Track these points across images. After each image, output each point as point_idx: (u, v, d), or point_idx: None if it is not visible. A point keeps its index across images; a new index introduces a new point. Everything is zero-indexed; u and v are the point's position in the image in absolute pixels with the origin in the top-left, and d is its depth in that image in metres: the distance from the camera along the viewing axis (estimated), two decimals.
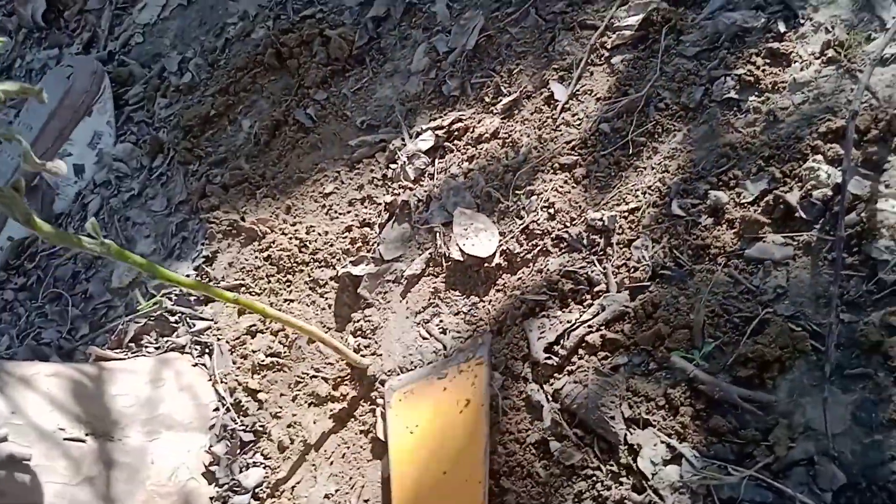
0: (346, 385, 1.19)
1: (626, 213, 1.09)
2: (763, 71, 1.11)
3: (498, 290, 1.14)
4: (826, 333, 0.91)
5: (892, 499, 0.81)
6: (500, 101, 1.29)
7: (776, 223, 1.00)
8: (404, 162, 1.31)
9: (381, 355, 1.18)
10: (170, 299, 1.35)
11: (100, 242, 0.79)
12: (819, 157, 1.01)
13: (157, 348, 1.31)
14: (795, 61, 1.10)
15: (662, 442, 0.93)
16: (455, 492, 1.02)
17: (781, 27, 1.13)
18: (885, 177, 0.97)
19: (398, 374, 1.15)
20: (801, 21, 1.13)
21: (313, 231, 1.33)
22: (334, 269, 1.29)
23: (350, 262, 1.27)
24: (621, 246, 1.08)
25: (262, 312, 0.97)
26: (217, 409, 1.20)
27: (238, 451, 1.16)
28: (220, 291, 0.91)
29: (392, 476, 1.07)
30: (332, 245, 1.31)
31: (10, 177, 1.60)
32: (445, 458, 1.05)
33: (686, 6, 1.22)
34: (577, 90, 1.24)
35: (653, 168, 1.12)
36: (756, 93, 1.10)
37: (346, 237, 1.31)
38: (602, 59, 1.25)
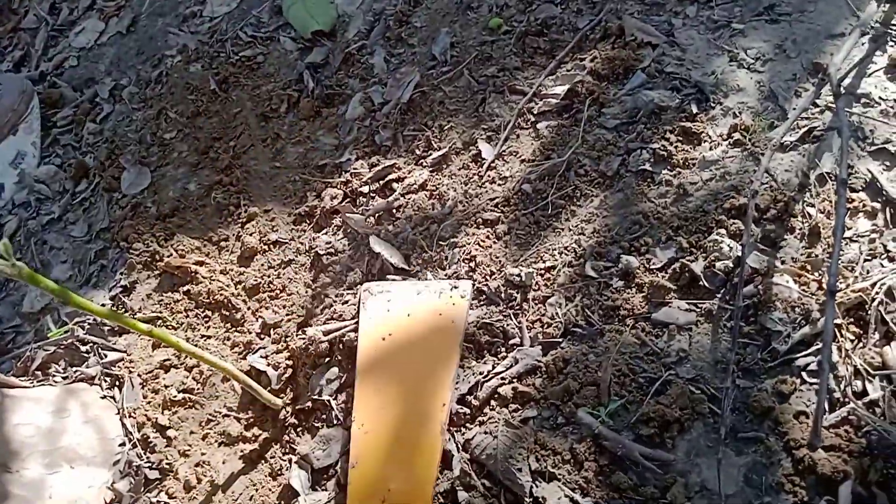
0: (258, 426, 1.18)
1: (543, 271, 1.14)
2: (676, 147, 1.19)
3: None
4: (722, 397, 0.96)
5: None
6: (430, 154, 1.33)
7: (681, 290, 1.07)
8: (329, 207, 1.33)
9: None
10: (82, 328, 1.31)
11: (11, 264, 0.77)
12: (723, 230, 1.08)
13: (64, 378, 1.27)
14: (705, 141, 1.19)
15: (566, 496, 0.96)
16: (418, 409, 1.06)
17: (694, 108, 1.22)
18: (781, 253, 1.05)
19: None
20: (713, 105, 1.22)
21: (234, 268, 1.33)
22: (250, 307, 1.28)
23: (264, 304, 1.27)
24: (537, 302, 1.12)
25: (175, 346, 0.96)
26: (123, 445, 1.17)
27: (142, 488, 1.12)
28: (133, 322, 0.90)
29: (357, 381, 1.10)
30: (250, 282, 1.31)
31: None
32: (412, 374, 1.09)
33: (609, 81, 1.30)
34: (504, 151, 1.29)
35: (570, 230, 1.17)
36: (668, 167, 1.17)
37: (265, 275, 1.31)
38: (528, 123, 1.31)
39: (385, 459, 1.05)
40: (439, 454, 1.02)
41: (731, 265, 1.05)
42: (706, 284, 1.06)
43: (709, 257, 1.07)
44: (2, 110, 1.62)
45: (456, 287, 1.14)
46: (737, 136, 1.16)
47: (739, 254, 1.05)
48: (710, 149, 1.17)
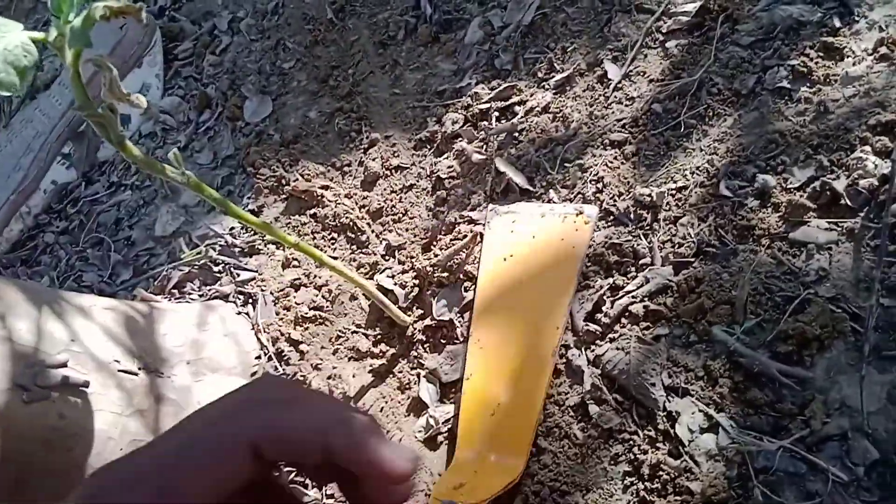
0: (385, 343, 1.22)
1: (674, 191, 1.12)
2: (816, 63, 1.14)
3: None
4: (866, 316, 0.94)
5: None
6: (553, 77, 1.32)
7: (821, 209, 1.03)
8: (450, 131, 1.34)
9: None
10: (214, 250, 1.38)
11: (181, 172, 0.81)
12: (867, 148, 1.04)
13: (200, 296, 1.34)
14: (848, 56, 1.13)
15: (700, 411, 0.97)
16: (532, 329, 1.09)
17: (836, 23, 1.16)
18: None
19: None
20: (856, 18, 1.16)
21: (357, 192, 1.37)
22: (374, 230, 1.32)
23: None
24: (667, 222, 1.11)
25: (319, 259, 1.00)
26: (259, 357, 1.23)
27: None
28: (282, 234, 0.94)
29: (476, 298, 1.14)
30: (374, 205, 1.34)
31: (57, 121, 1.63)
32: (530, 295, 1.11)
33: None
34: (631, 71, 1.26)
35: (702, 150, 1.15)
36: (808, 84, 1.13)
37: (388, 199, 1.34)
38: (657, 42, 1.28)
39: (497, 375, 1.08)
40: (549, 375, 1.04)
41: (877, 183, 1.01)
42: (848, 203, 1.02)
43: (851, 175, 1.03)
44: (127, 44, 1.68)
45: (581, 213, 1.14)
46: (883, 50, 1.10)
47: (885, 171, 1.00)
48: (854, 64, 1.11)
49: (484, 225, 1.20)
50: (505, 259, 1.15)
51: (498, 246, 1.16)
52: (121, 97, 0.76)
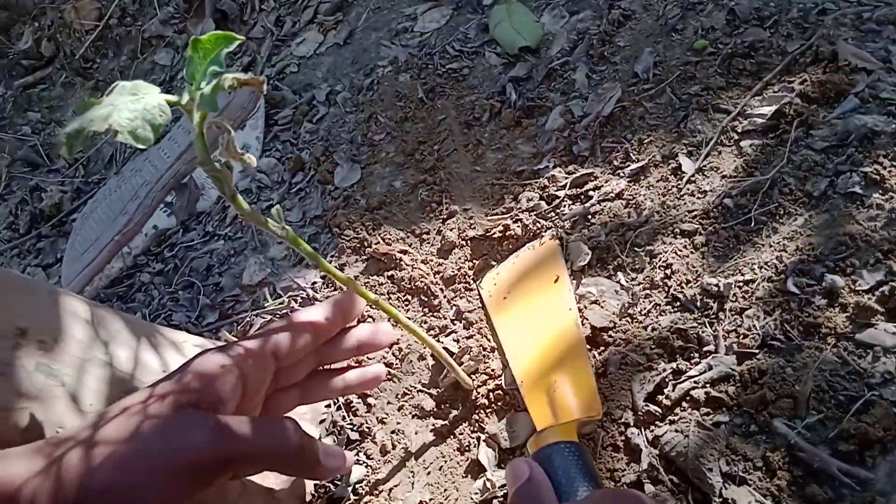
0: (448, 404, 1.27)
1: (742, 283, 1.16)
2: (889, 172, 1.17)
3: (608, 336, 1.21)
4: None
5: None
6: (629, 166, 1.38)
7: (889, 313, 1.05)
8: (530, 207, 1.41)
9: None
10: (295, 301, 1.46)
11: (282, 227, 0.89)
12: None
13: None
14: None
15: (757, 501, 0.97)
16: (551, 321, 1.23)
17: None
18: None
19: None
20: None
21: (433, 259, 1.44)
22: (446, 296, 1.38)
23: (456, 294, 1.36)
24: (733, 313, 1.14)
25: (395, 317, 1.06)
26: (328, 406, 1.29)
27: (344, 447, 1.24)
28: (364, 291, 1.01)
29: (499, 336, 1.28)
30: (448, 273, 1.40)
31: (164, 172, 1.78)
32: (538, 303, 1.27)
33: (818, 104, 1.30)
34: (704, 166, 1.32)
35: (771, 246, 1.18)
36: (880, 191, 1.16)
37: (461, 268, 1.40)
38: (731, 141, 1.33)
39: (543, 366, 1.18)
40: (584, 341, 1.17)
41: None
42: None
43: None
44: (234, 107, 1.83)
45: (542, 237, 1.35)
46: None
47: None
48: None
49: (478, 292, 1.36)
50: (505, 298, 1.30)
51: (495, 297, 1.32)
52: (235, 156, 0.85)
